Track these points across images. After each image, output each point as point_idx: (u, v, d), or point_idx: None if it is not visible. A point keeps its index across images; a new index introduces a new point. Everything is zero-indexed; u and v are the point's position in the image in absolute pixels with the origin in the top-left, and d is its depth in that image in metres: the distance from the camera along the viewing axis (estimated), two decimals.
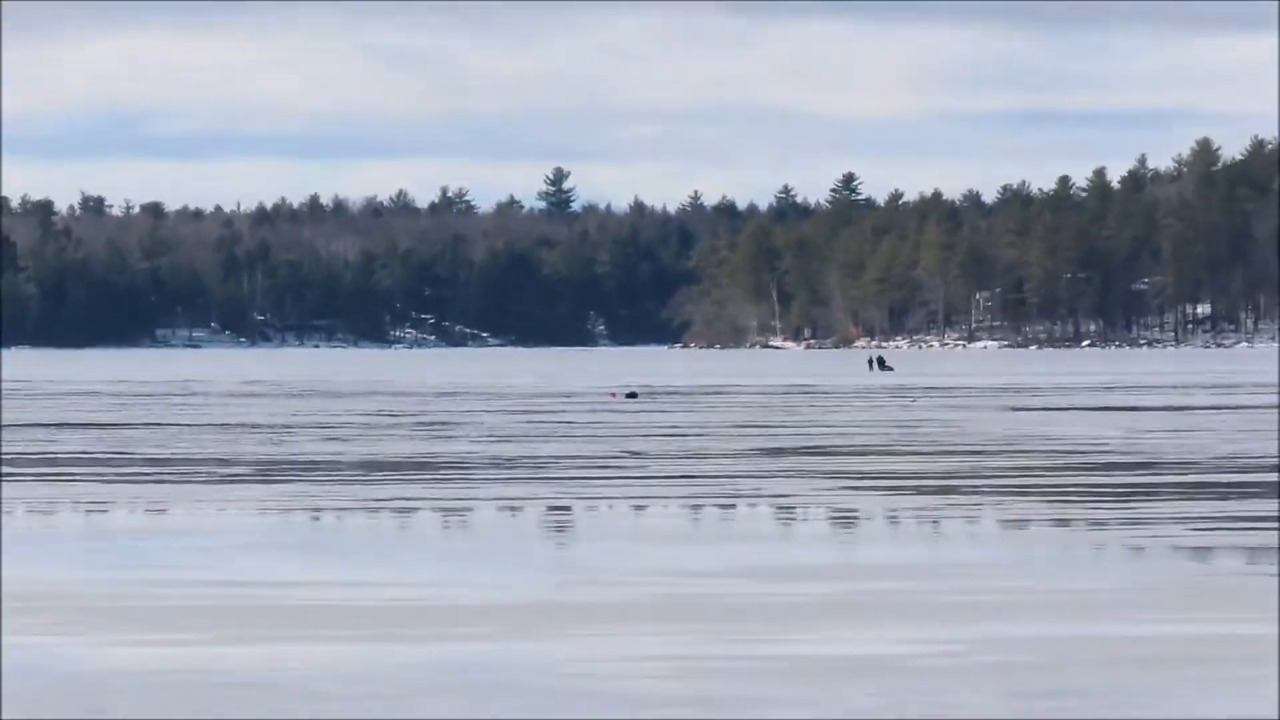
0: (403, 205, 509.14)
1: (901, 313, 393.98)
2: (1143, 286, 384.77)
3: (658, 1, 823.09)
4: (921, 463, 68.55)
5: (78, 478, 61.60)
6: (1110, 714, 17.69)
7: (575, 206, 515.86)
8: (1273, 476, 59.29)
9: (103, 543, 42.38)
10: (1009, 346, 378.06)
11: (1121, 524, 45.07)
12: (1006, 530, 44.39)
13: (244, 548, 39.43)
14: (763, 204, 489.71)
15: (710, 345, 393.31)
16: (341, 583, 31.72)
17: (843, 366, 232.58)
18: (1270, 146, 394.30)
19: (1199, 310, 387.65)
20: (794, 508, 50.03)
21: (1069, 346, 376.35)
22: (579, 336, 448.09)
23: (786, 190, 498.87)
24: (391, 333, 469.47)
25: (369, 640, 23.25)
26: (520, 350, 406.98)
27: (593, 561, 37.34)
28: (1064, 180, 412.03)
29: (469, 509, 49.99)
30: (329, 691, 18.85)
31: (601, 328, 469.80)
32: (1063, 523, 45.62)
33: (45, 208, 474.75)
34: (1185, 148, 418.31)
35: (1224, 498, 52.87)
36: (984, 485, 58.01)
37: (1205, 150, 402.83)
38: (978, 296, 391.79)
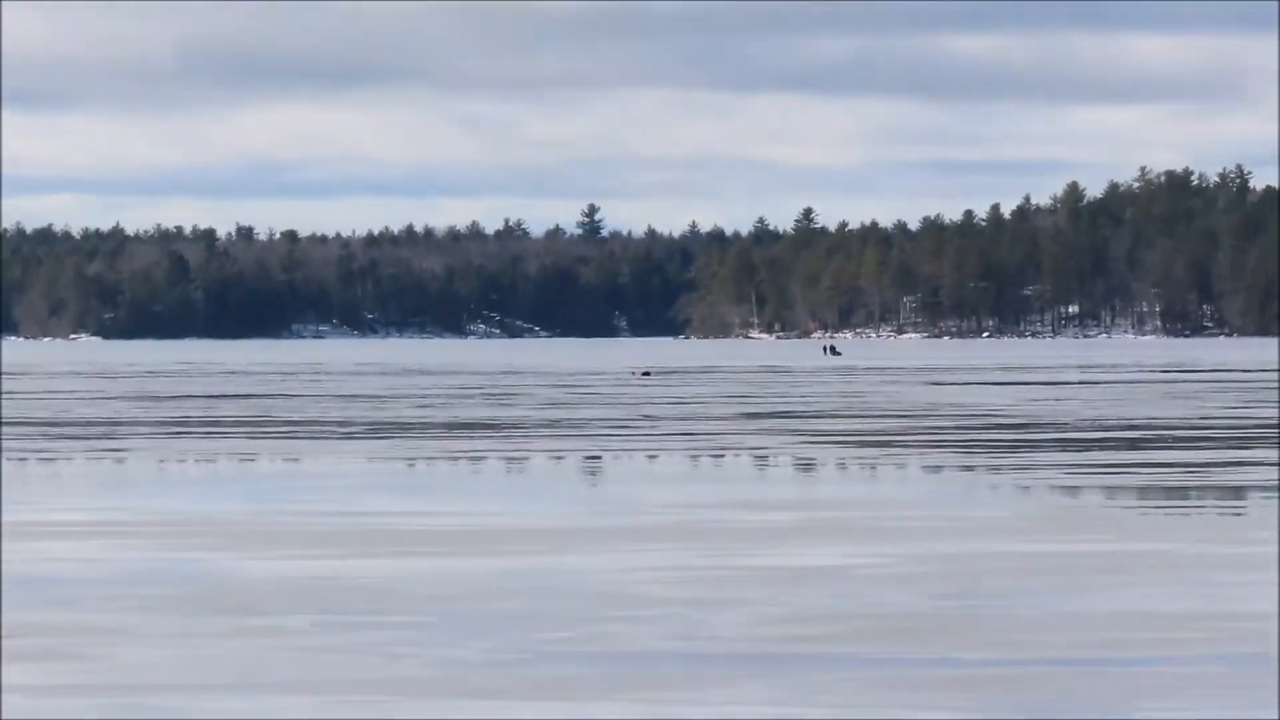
0: (475, 233, 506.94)
1: (848, 312, 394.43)
2: (1028, 292, 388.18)
3: (665, 84, 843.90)
4: (863, 424, 66.02)
5: (232, 435, 61.70)
6: (1004, 609, 18.61)
7: (604, 233, 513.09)
8: (1125, 434, 58.54)
9: (250, 484, 42.75)
10: (928, 337, 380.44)
11: (1012, 469, 43.99)
12: (927, 473, 45.27)
13: (357, 488, 40.13)
14: (744, 231, 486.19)
15: (705, 337, 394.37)
16: (430, 513, 32.61)
17: (803, 353, 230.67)
18: (1123, 188, 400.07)
19: (1070, 310, 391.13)
20: (767, 457, 49.51)
21: (973, 337, 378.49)
22: (607, 330, 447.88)
23: (762, 220, 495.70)
24: (467, 327, 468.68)
25: (450, 555, 24.37)
26: (562, 340, 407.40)
27: (616, 497, 38.74)
28: (969, 213, 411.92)
29: (524, 458, 49.60)
30: (422, 594, 19.55)
31: (624, 323, 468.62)
32: (968, 468, 44.62)
33: (210, 234, 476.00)
34: (1059, 189, 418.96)
35: (1088, 449, 52.24)
36: (910, 440, 56.51)
37: (1074, 191, 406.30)
38: (905, 300, 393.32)
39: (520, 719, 11.29)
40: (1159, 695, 12.65)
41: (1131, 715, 11.43)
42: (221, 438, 61.28)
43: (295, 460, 50.44)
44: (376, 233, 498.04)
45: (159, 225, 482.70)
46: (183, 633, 16.18)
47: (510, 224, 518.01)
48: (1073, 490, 39.78)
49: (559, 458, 51.29)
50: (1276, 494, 36.92)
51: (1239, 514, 35.26)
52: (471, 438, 61.19)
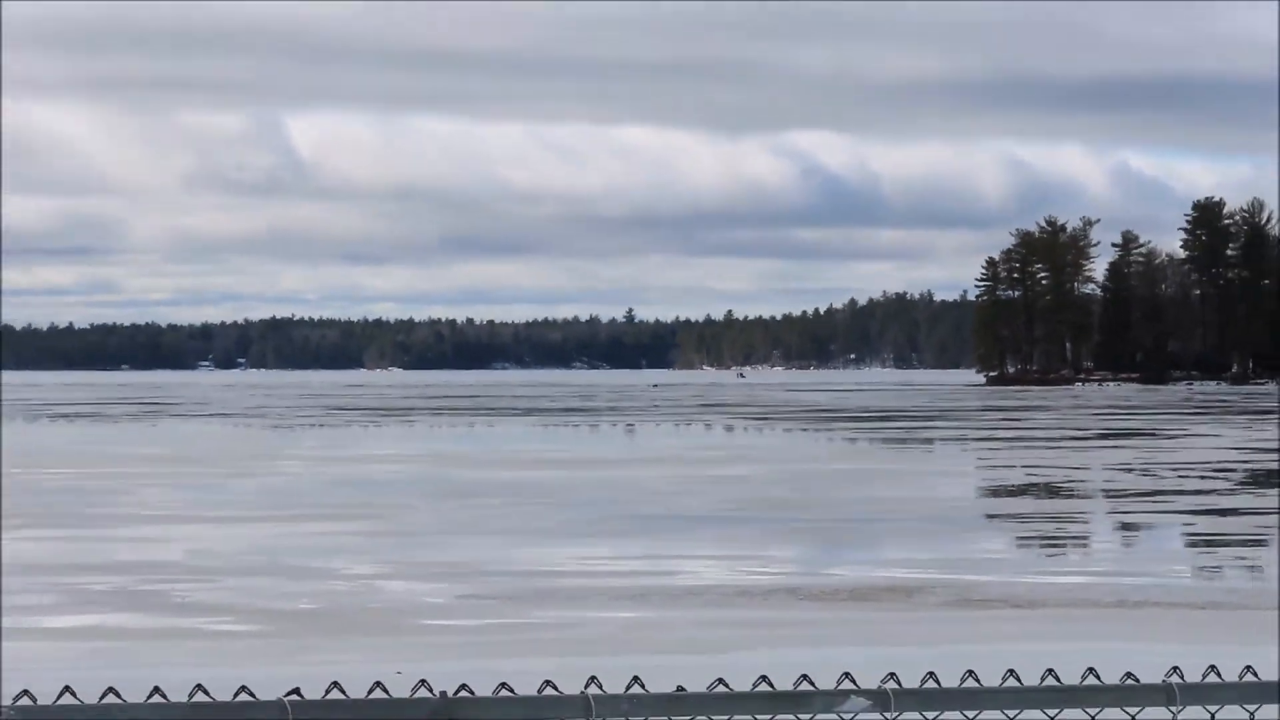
0: None
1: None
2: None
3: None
4: (748, 408, 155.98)
5: None
6: (790, 504, 50.01)
7: None
8: (875, 412, 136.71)
9: None
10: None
11: (830, 430, 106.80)
12: (778, 436, 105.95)
13: None
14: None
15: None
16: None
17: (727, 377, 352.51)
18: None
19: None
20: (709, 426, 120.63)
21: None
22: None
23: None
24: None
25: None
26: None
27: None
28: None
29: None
30: None
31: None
32: (803, 431, 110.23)
33: None
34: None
35: (851, 422, 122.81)
36: (771, 416, 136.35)
37: None
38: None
39: None
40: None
41: None
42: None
43: None
44: None
45: None
46: None
47: None
48: (829, 439, 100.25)
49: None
50: None
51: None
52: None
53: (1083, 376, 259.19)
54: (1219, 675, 4.98)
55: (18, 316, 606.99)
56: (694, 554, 35.77)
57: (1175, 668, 4.94)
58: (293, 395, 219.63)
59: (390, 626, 25.76)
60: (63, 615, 27.37)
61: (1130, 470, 64.80)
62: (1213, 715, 5.08)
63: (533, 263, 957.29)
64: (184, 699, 4.15)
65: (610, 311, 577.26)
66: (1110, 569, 34.44)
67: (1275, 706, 5.06)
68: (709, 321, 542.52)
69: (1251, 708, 5.06)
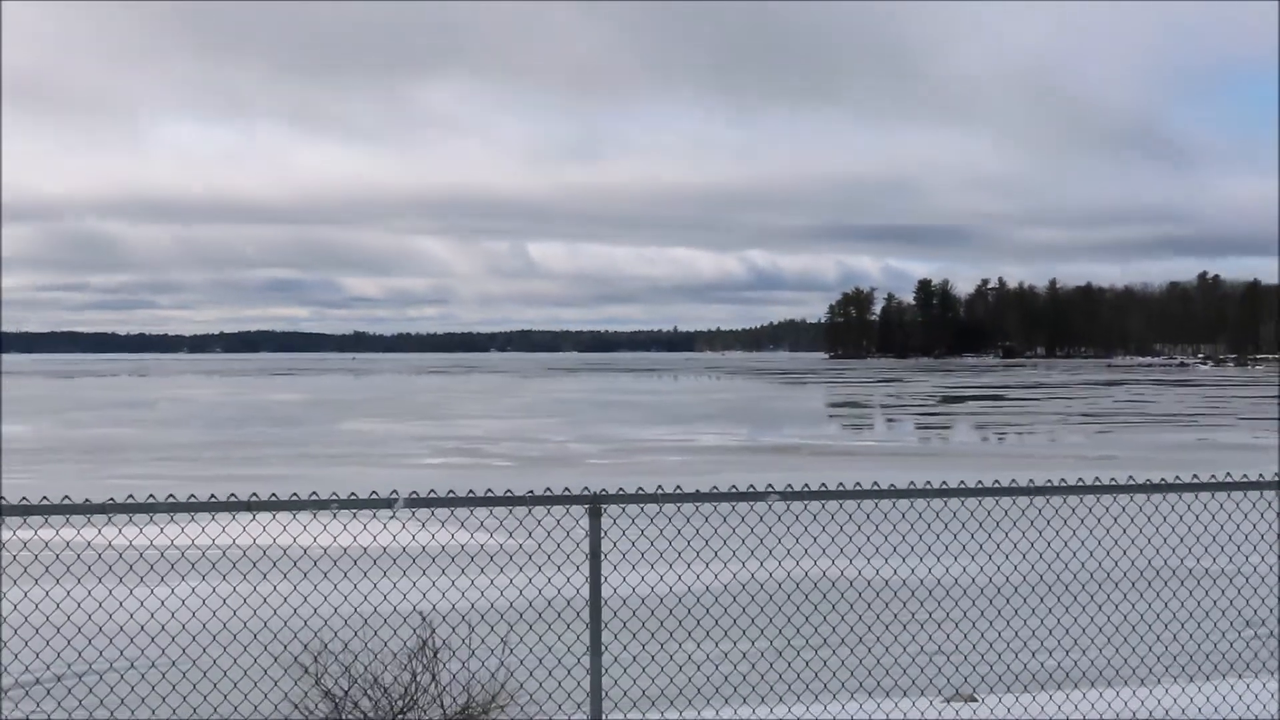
0: None
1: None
2: None
3: None
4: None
5: None
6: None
7: None
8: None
9: None
10: None
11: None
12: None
13: None
14: None
15: None
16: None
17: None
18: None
19: None
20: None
21: None
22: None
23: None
24: None
25: None
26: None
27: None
28: None
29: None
30: None
31: None
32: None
33: None
34: None
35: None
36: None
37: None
38: None
39: None
40: None
41: None
42: None
43: None
44: None
45: None
46: None
47: None
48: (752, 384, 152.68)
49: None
50: None
51: None
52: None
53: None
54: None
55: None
56: (692, 431, 69.78)
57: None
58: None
59: (569, 460, 58.26)
60: (423, 456, 60.19)
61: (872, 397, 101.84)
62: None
63: None
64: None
65: None
66: (890, 437, 69.31)
67: None
68: None
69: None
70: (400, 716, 12.05)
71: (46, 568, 12.37)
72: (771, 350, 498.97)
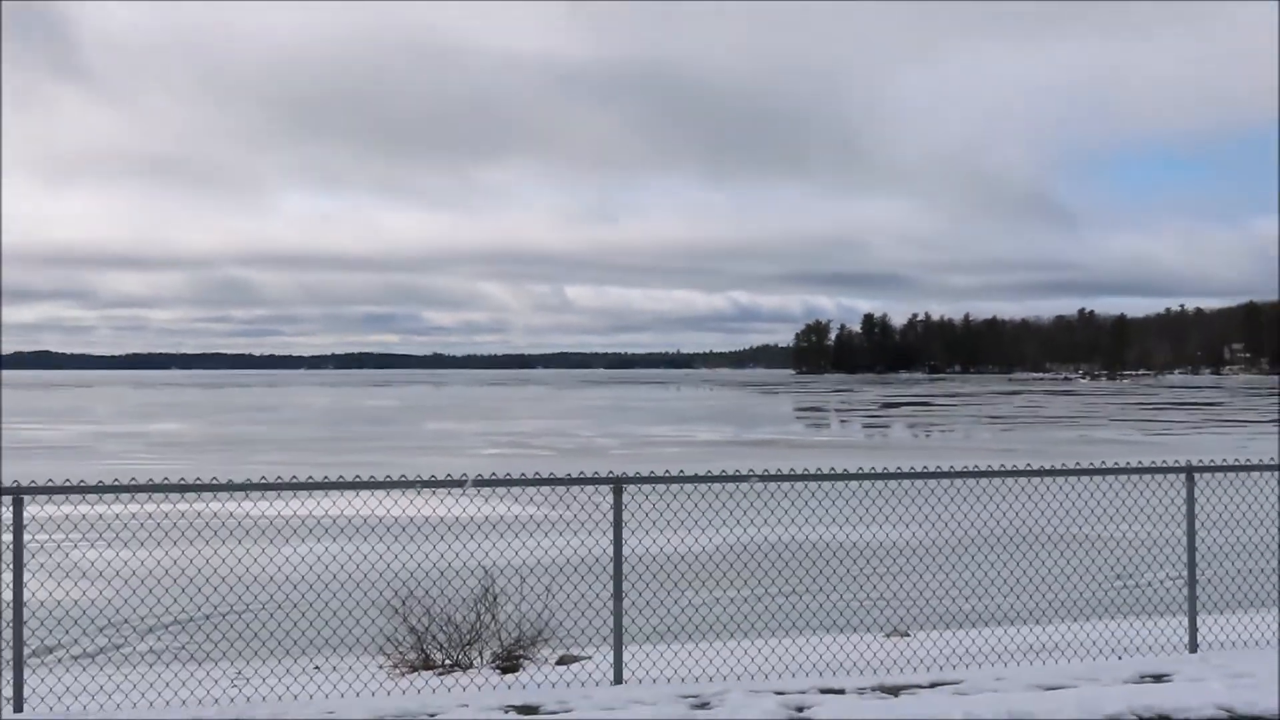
0: None
1: None
2: None
3: None
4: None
5: None
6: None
7: None
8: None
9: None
10: None
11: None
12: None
13: None
14: None
15: None
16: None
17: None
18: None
19: None
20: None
21: None
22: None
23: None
24: None
25: None
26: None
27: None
28: None
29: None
30: None
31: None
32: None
33: None
34: None
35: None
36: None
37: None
38: None
39: None
40: None
41: None
42: None
43: None
44: None
45: None
46: None
47: None
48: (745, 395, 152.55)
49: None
50: None
51: None
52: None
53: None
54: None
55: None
56: (690, 429, 69.86)
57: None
58: None
59: (595, 451, 58.61)
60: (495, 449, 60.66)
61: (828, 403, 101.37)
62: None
63: None
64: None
65: None
66: (843, 434, 69.48)
67: None
68: None
69: None
70: (467, 647, 12.02)
71: (210, 532, 12.31)
72: (751, 368, 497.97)
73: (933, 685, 10.22)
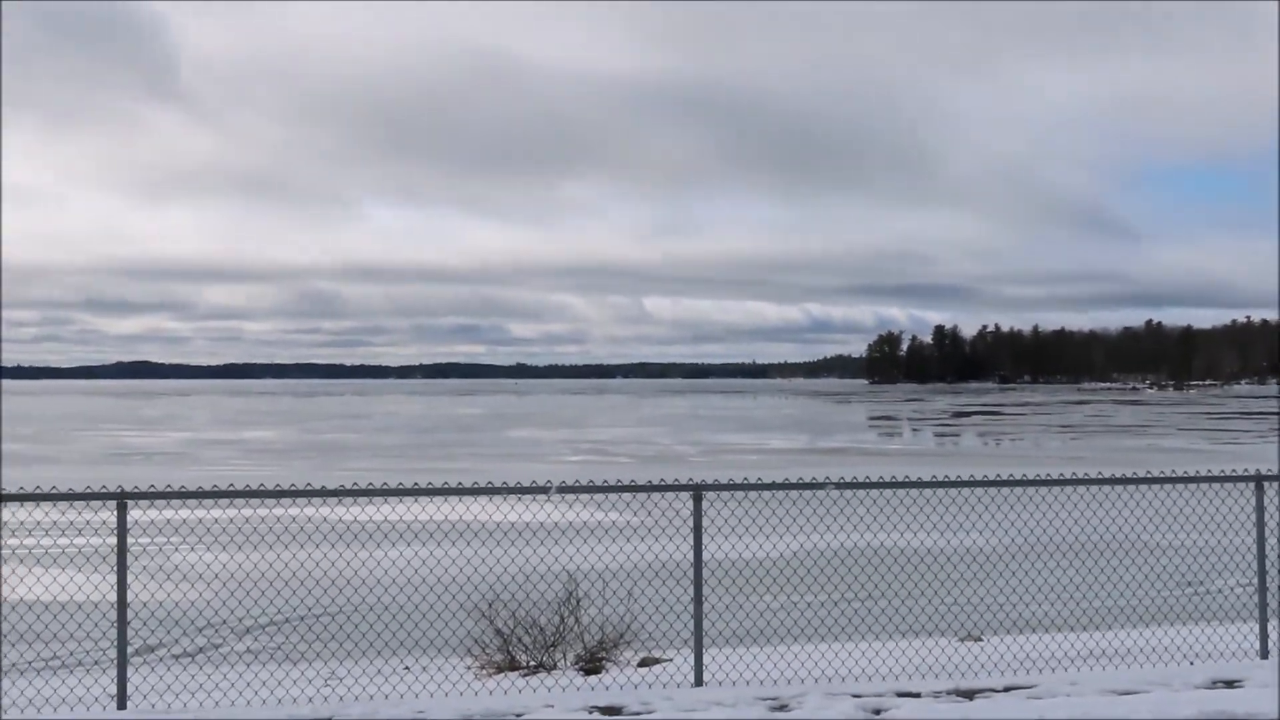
0: None
1: None
2: None
3: None
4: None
5: None
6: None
7: None
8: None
9: None
10: None
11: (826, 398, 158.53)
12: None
13: None
14: None
15: None
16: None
17: None
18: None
19: None
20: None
21: None
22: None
23: None
24: None
25: None
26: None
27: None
28: None
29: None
30: None
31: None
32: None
33: None
34: None
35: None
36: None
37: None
38: None
39: None
40: None
41: None
42: None
43: None
44: None
45: None
46: None
47: None
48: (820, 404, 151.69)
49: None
50: None
51: None
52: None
53: None
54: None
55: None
56: (766, 437, 69.70)
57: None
58: None
59: (675, 458, 58.72)
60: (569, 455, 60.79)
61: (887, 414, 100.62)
62: None
63: None
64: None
65: None
66: (915, 442, 69.05)
67: None
68: None
69: None
70: (551, 649, 12.01)
71: (304, 536, 12.38)
72: (824, 378, 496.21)
73: (1007, 689, 10.11)
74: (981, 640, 13.59)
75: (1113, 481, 11.30)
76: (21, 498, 9.36)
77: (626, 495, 10.86)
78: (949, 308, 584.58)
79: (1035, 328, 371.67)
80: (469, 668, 11.95)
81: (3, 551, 9.40)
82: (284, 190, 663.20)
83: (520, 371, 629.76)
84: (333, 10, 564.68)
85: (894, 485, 10.70)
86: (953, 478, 11.02)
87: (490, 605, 11.98)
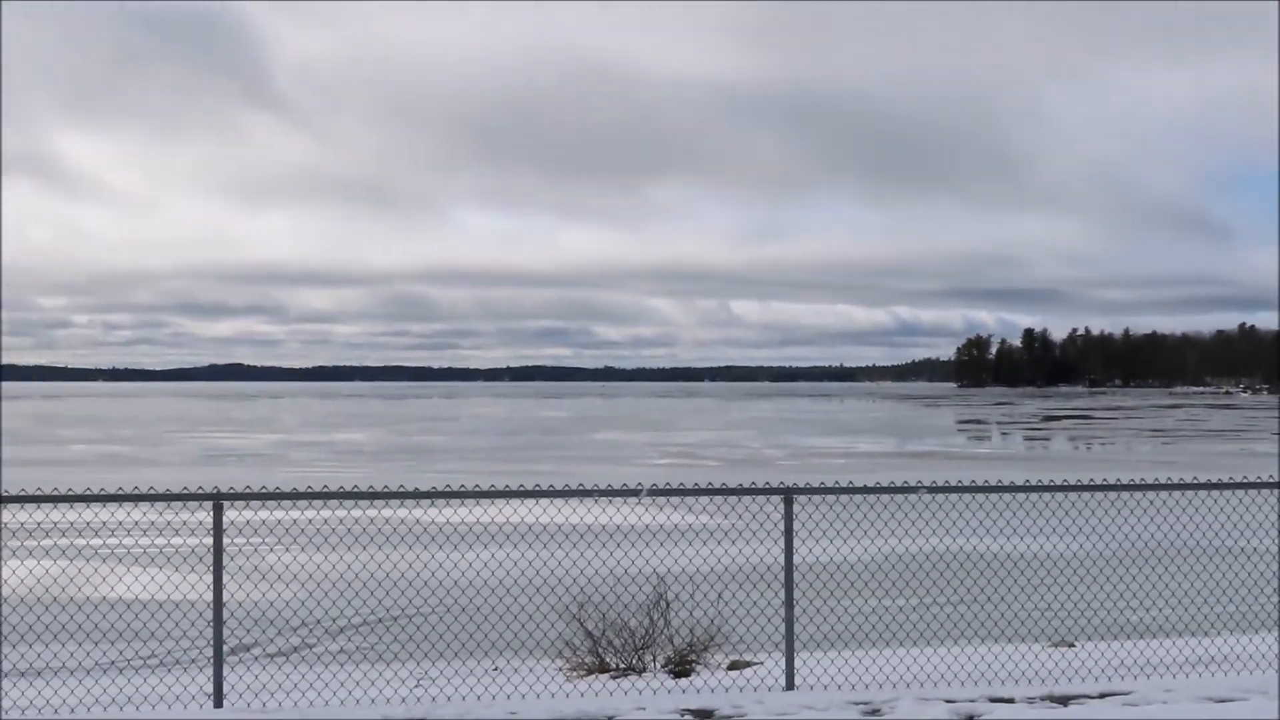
0: None
1: None
2: None
3: None
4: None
5: None
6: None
7: None
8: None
9: None
10: None
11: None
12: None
13: None
14: None
15: None
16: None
17: None
18: None
19: None
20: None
21: None
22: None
23: None
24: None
25: None
26: None
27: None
28: None
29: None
30: None
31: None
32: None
33: None
34: None
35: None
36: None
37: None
38: None
39: None
40: None
41: None
42: None
43: None
44: None
45: None
46: None
47: None
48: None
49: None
50: None
51: None
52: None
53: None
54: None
55: None
56: (855, 441, 69.37)
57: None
58: None
59: (763, 462, 58.45)
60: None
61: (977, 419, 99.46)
62: None
63: None
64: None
65: None
66: (1005, 446, 68.43)
67: None
68: None
69: None
70: (640, 651, 12.01)
71: (397, 537, 12.46)
72: (913, 381, 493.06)
73: (1102, 696, 9.99)
74: (1074, 646, 13.44)
75: (1207, 486, 11.14)
76: (121, 498, 9.48)
77: (717, 498, 10.83)
78: (1039, 311, 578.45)
79: (1126, 331, 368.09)
80: (559, 669, 11.98)
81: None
82: (377, 195, 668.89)
83: (607, 375, 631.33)
84: (427, 15, 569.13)
85: (986, 490, 10.61)
86: (1045, 482, 10.92)
87: (580, 607, 12.00)
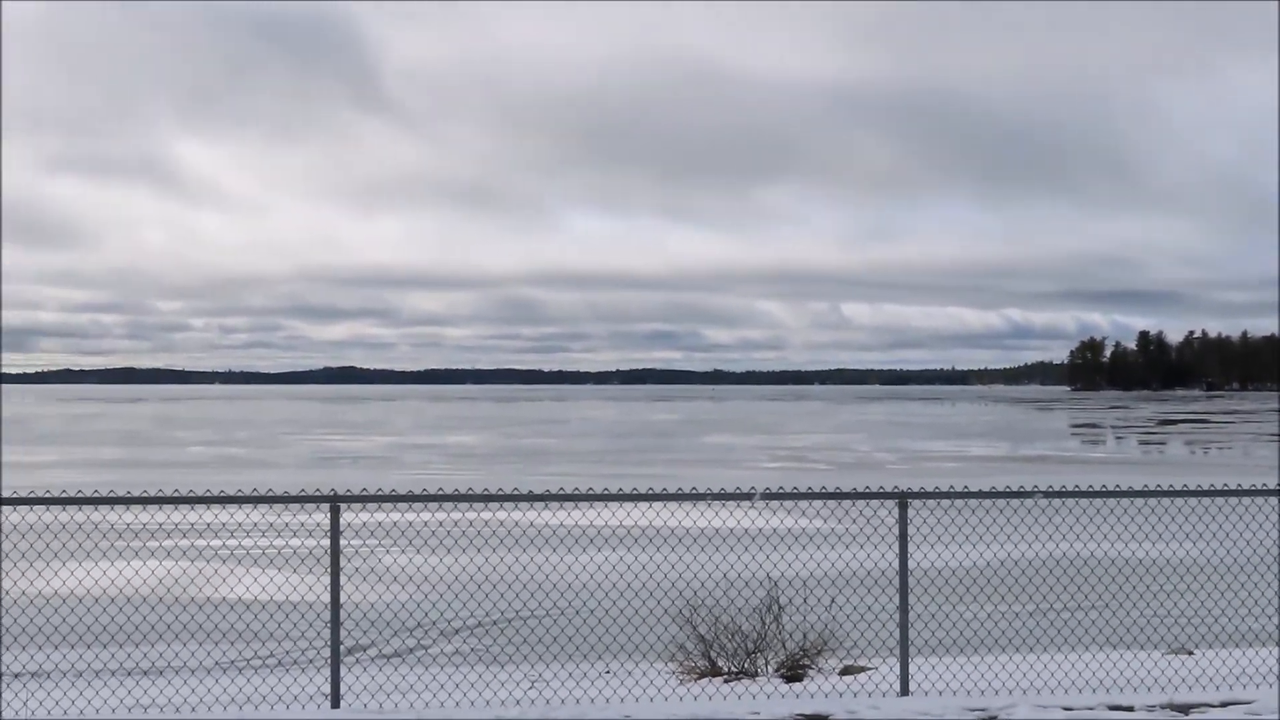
0: None
1: None
2: None
3: None
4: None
5: None
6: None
7: None
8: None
9: None
10: None
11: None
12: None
13: None
14: None
15: None
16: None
17: None
18: None
19: None
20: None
21: None
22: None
23: None
24: None
25: None
26: None
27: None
28: None
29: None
30: None
31: None
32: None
33: None
34: None
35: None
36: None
37: None
38: None
39: None
40: None
41: None
42: None
43: None
44: None
45: None
46: None
47: None
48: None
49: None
50: None
51: None
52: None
53: None
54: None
55: None
56: (967, 444, 68.69)
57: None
58: None
59: (875, 465, 58.21)
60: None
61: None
62: None
63: None
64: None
65: None
66: (1120, 450, 67.52)
67: None
68: None
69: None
70: (752, 655, 11.98)
71: (511, 540, 12.52)
72: (1025, 385, 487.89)
73: (1223, 705, 9.82)
74: (1193, 653, 13.23)
75: None
76: (240, 500, 9.61)
77: (829, 503, 10.78)
78: (1154, 313, 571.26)
79: (1244, 334, 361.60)
80: (671, 672, 11.98)
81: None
82: (488, 198, 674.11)
83: (717, 378, 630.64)
84: (535, 17, 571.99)
85: (1102, 494, 10.48)
86: (1163, 487, 10.76)
87: (692, 610, 11.99)
